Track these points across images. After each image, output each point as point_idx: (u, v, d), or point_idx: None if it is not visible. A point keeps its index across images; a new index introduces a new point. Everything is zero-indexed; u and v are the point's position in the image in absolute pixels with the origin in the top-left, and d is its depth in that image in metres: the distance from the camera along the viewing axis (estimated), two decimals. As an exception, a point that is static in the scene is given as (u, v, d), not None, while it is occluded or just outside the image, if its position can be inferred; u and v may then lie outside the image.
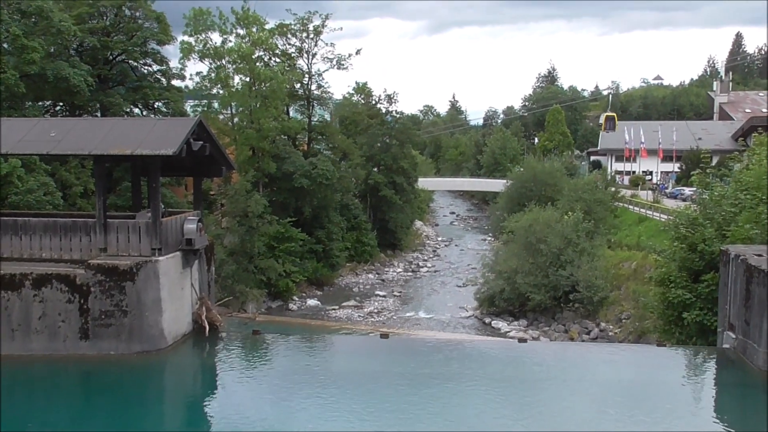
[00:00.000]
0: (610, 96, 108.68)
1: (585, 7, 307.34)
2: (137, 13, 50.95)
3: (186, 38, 54.35)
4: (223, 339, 22.25)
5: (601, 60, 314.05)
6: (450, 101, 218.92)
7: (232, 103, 56.72)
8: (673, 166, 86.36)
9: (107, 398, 18.22)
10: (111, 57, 51.23)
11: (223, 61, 55.56)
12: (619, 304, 42.82)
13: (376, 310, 50.91)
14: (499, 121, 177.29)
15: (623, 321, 40.85)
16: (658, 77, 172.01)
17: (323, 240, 57.94)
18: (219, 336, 22.16)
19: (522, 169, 75.57)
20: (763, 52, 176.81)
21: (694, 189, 34.42)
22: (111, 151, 20.01)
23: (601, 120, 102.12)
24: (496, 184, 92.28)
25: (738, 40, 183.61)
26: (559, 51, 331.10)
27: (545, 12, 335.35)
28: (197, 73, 56.91)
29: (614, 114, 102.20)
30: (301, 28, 63.93)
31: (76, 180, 43.14)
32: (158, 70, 53.42)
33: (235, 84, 56.34)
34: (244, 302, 46.49)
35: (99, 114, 48.53)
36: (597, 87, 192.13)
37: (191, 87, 58.05)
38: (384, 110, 76.91)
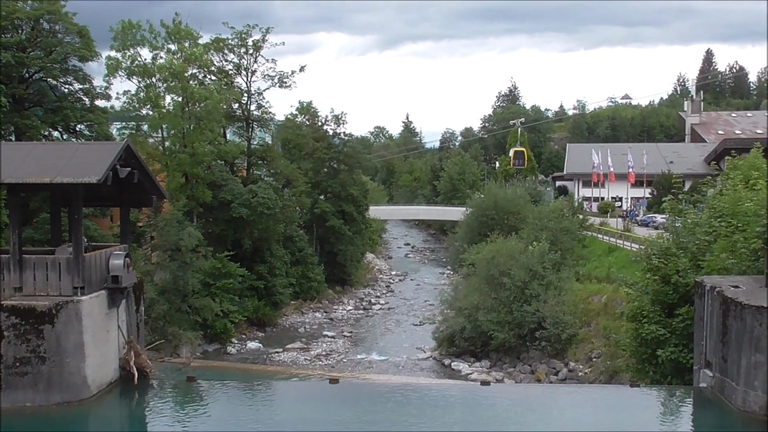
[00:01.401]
0: (519, 130, 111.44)
1: (548, 21, 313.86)
2: (57, 27, 50.45)
3: (113, 54, 54.06)
4: (154, 387, 21.95)
5: (566, 78, 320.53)
6: (403, 122, 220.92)
7: (163, 126, 56.29)
8: (644, 192, 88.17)
9: (22, 456, 17.82)
10: (27, 75, 50.54)
11: (153, 79, 55.25)
12: (589, 342, 43.33)
13: (324, 353, 50.67)
14: (457, 143, 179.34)
15: (594, 360, 41.33)
16: (626, 96, 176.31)
17: (265, 276, 57.66)
18: (149, 383, 21.86)
19: (482, 196, 76.32)
20: (734, 70, 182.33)
21: (666, 216, 35.18)
22: (27, 180, 19.77)
23: (510, 154, 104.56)
24: (454, 213, 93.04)
25: (708, 57, 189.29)
26: (520, 68, 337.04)
27: (505, 26, 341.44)
28: (124, 93, 56.41)
29: (523, 149, 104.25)
30: (240, 42, 64.05)
31: (-13, 211, 42.37)
32: (81, 89, 52.86)
33: (166, 104, 55.99)
34: (177, 346, 45.85)
35: (13, 138, 47.76)
36: (562, 106, 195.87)
37: (118, 108, 57.57)
38: (331, 132, 77.21)
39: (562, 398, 23.06)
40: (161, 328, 44.31)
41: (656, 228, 56.89)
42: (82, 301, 19.57)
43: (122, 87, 79.35)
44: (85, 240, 21.35)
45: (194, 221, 53.77)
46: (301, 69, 69.47)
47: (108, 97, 54.70)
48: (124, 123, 59.64)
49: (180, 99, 55.54)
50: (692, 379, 22.23)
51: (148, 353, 23.42)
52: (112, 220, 50.98)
